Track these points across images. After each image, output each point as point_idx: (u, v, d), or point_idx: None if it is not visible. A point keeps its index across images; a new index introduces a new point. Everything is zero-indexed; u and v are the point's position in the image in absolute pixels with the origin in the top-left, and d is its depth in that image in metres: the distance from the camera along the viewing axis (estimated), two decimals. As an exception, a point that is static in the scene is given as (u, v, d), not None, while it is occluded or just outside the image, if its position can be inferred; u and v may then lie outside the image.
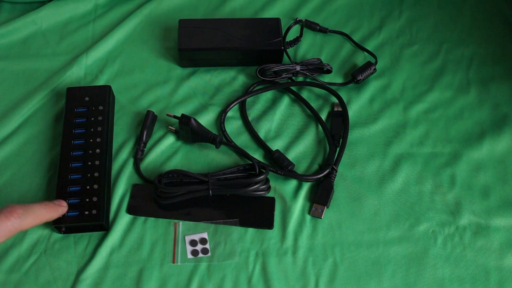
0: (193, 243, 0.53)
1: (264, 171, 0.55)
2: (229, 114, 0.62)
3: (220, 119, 0.61)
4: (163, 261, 0.52)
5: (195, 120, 0.57)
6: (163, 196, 0.54)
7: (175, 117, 0.58)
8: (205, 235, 0.53)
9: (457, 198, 0.57)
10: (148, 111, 0.59)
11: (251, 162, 0.56)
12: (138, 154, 0.58)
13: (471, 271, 0.52)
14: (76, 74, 0.64)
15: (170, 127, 0.60)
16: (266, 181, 0.55)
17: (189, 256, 0.52)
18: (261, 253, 0.53)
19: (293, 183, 0.57)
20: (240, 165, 0.56)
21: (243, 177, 0.55)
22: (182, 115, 0.57)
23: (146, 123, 0.59)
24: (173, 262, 0.52)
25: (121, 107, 0.62)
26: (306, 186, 0.57)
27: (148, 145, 0.59)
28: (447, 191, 0.57)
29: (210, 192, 0.53)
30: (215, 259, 0.52)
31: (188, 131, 0.57)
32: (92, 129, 0.56)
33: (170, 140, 0.60)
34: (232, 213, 0.55)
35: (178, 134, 0.60)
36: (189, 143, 0.60)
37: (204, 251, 0.52)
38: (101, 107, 0.58)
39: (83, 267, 0.51)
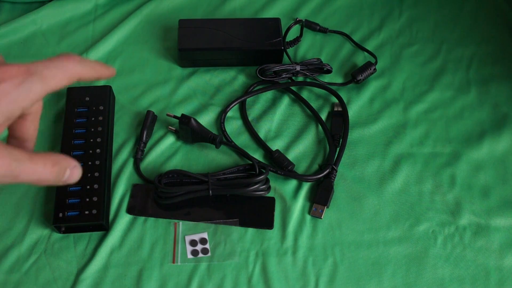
0: (193, 243, 0.53)
1: (264, 171, 0.55)
2: (229, 114, 0.62)
3: (220, 119, 0.61)
4: (163, 261, 0.52)
5: (195, 120, 0.57)
6: (163, 196, 0.54)
7: (175, 117, 0.58)
8: (205, 235, 0.53)
9: (457, 198, 0.57)
10: (148, 111, 0.59)
11: (251, 162, 0.56)
12: (138, 154, 0.58)
13: (471, 271, 0.52)
14: (76, 74, 0.64)
15: (170, 127, 0.60)
16: (266, 181, 0.55)
17: (189, 256, 0.52)
18: (261, 253, 0.53)
19: (293, 183, 0.57)
20: (240, 165, 0.56)
21: (243, 177, 0.55)
22: (182, 115, 0.57)
23: (146, 123, 0.59)
24: (173, 262, 0.52)
25: (121, 107, 0.62)
26: (306, 186, 0.57)
27: (148, 145, 0.59)
28: (447, 191, 0.57)
29: (210, 192, 0.53)
30: (215, 259, 0.52)
31: (188, 131, 0.57)
32: (92, 129, 0.57)
33: (170, 140, 0.60)
34: (232, 213, 0.55)
35: (178, 134, 0.60)
36: (189, 143, 0.60)
37: (204, 251, 0.52)
38: (101, 107, 0.58)
39: (83, 267, 0.51)
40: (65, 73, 0.35)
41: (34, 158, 0.33)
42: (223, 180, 0.55)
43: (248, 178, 0.54)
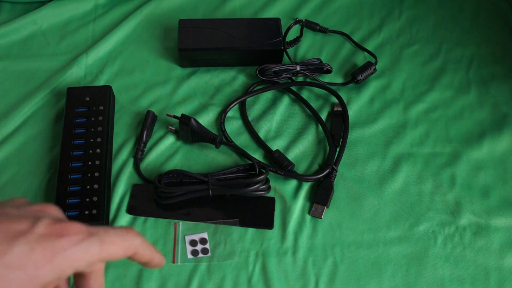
0: (193, 243, 0.53)
1: (264, 171, 0.55)
2: (229, 114, 0.62)
3: (220, 119, 0.61)
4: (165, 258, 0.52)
5: (195, 120, 0.57)
6: (163, 196, 0.54)
7: (175, 117, 0.58)
8: (205, 235, 0.53)
9: (457, 198, 0.57)
10: (148, 111, 0.59)
11: (251, 162, 0.56)
12: (138, 154, 0.58)
13: (471, 271, 0.52)
14: (76, 74, 0.64)
15: (170, 127, 0.60)
16: (266, 181, 0.55)
17: (189, 256, 0.52)
18: (261, 253, 0.53)
19: (293, 183, 0.57)
20: (240, 165, 0.56)
21: (243, 177, 0.55)
22: (182, 115, 0.57)
23: (146, 123, 0.59)
24: (173, 262, 0.52)
25: (121, 107, 0.62)
26: (306, 186, 0.57)
27: (148, 145, 0.59)
28: (447, 191, 0.57)
29: (210, 192, 0.53)
30: (215, 259, 0.52)
31: (188, 131, 0.57)
32: (92, 129, 0.57)
33: (170, 140, 0.60)
34: (232, 213, 0.55)
35: (178, 134, 0.60)
36: (189, 143, 0.60)
37: (204, 251, 0.52)
38: (101, 107, 0.58)
39: (83, 267, 0.51)
40: (123, 243, 0.34)
41: None
42: (223, 180, 0.55)
43: (248, 178, 0.54)
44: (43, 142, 0.59)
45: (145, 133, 0.58)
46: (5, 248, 0.29)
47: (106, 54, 0.67)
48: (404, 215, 0.55)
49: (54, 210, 0.35)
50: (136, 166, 0.57)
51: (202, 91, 0.64)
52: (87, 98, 0.59)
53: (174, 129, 0.60)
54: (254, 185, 0.54)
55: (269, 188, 0.55)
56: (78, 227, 0.32)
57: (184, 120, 0.57)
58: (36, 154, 0.58)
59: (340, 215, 0.55)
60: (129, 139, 0.59)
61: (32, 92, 0.62)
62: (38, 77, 0.64)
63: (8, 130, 0.59)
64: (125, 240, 0.34)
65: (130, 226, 0.35)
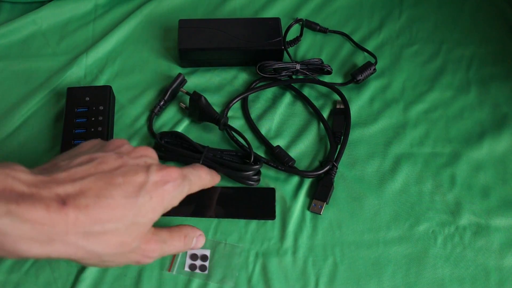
0: (193, 257, 0.52)
1: (258, 163, 0.55)
2: (231, 113, 0.62)
3: (223, 114, 0.61)
4: (163, 263, 0.52)
5: (205, 98, 0.59)
6: (160, 149, 0.55)
7: (187, 93, 0.60)
8: (207, 253, 0.52)
9: (457, 198, 0.57)
10: (179, 74, 0.62)
11: (249, 152, 0.56)
12: (156, 109, 0.60)
13: (471, 271, 0.52)
14: (76, 74, 0.64)
15: (181, 103, 0.61)
16: (258, 172, 0.56)
17: (186, 269, 0.51)
18: (261, 253, 0.52)
19: (293, 181, 0.57)
20: (238, 151, 0.57)
21: (238, 163, 0.56)
22: (194, 92, 0.59)
23: (173, 84, 0.61)
24: (169, 270, 0.51)
25: (121, 107, 0.62)
26: (306, 186, 0.57)
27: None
28: (447, 191, 0.57)
29: (200, 162, 0.55)
30: (210, 280, 0.51)
31: (197, 108, 0.58)
32: (92, 129, 0.57)
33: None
34: (234, 206, 0.55)
35: (188, 111, 0.60)
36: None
37: (202, 268, 0.51)
38: (101, 107, 0.58)
39: (83, 267, 0.51)
40: (201, 181, 0.45)
41: (173, 235, 0.42)
42: (219, 158, 0.56)
43: (242, 164, 0.55)
44: (43, 142, 0.59)
45: (169, 92, 0.60)
46: (134, 201, 0.36)
47: (106, 54, 0.67)
48: (404, 215, 0.55)
49: (152, 153, 0.42)
50: (150, 120, 0.59)
51: (202, 91, 0.64)
52: (87, 98, 0.59)
53: (184, 106, 0.61)
54: (245, 172, 0.54)
55: (258, 181, 0.56)
56: (177, 173, 0.40)
57: (195, 97, 0.58)
58: (36, 154, 0.58)
59: (340, 215, 0.55)
60: (129, 139, 0.59)
61: (32, 92, 0.62)
62: (38, 77, 0.64)
63: (8, 130, 0.59)
64: (202, 180, 0.44)
65: (199, 164, 0.47)
